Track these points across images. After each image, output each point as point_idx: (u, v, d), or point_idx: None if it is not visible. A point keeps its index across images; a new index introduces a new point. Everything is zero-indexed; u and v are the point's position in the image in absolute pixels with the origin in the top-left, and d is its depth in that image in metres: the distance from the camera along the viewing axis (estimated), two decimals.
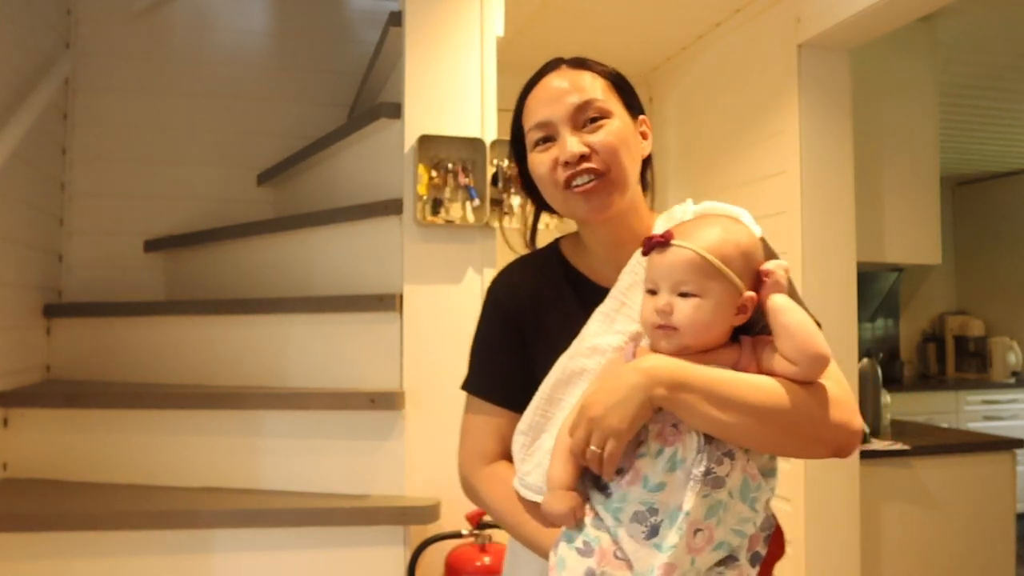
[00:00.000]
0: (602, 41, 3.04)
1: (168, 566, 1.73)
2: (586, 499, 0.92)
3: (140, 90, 2.65)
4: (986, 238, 5.36)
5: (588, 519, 0.91)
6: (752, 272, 0.94)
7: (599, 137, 1.01)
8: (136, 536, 1.72)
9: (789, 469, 2.42)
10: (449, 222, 1.97)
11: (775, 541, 1.00)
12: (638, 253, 1.02)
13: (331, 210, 2.13)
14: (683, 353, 0.91)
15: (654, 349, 0.94)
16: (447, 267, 1.96)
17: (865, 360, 2.89)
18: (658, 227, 1.06)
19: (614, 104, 1.04)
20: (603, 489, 0.91)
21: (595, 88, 1.04)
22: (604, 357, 0.99)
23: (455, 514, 1.77)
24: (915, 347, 5.35)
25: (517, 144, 1.11)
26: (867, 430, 2.70)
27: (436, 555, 1.82)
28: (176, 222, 2.64)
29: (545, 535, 0.96)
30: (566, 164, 1.00)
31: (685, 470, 0.86)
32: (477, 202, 1.99)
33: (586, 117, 1.02)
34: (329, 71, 2.83)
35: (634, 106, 1.08)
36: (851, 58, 2.45)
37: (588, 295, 1.06)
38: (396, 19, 2.03)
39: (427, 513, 1.76)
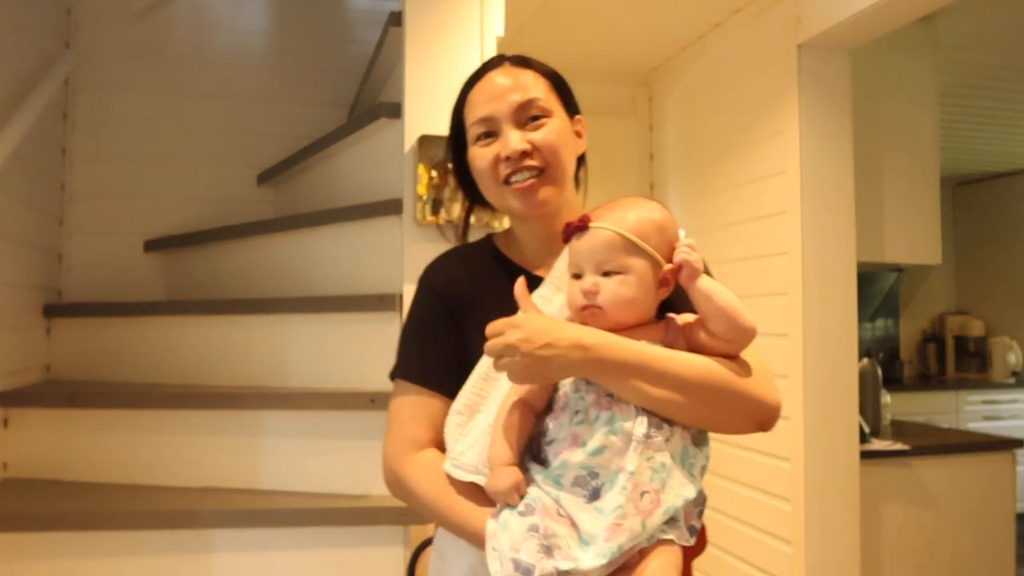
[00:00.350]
0: (602, 41, 3.04)
1: (168, 566, 1.73)
2: (525, 472, 0.94)
3: (140, 90, 2.65)
4: (986, 238, 5.36)
5: (528, 488, 0.92)
6: (669, 246, 0.98)
7: (540, 135, 1.04)
8: (136, 536, 1.72)
9: (789, 469, 2.42)
10: (449, 222, 1.97)
11: (700, 537, 1.02)
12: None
13: (331, 210, 2.13)
14: (613, 331, 0.94)
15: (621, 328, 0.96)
16: None
17: (865, 360, 2.90)
18: None
19: (554, 104, 1.08)
20: (542, 461, 0.94)
21: (537, 87, 1.07)
22: None
23: None
24: (915, 347, 5.36)
25: (455, 138, 1.13)
26: (867, 430, 2.70)
27: None
28: (176, 222, 2.64)
29: (479, 516, 0.95)
30: (507, 159, 1.03)
31: (625, 433, 0.90)
32: None
33: (528, 115, 1.05)
34: (329, 71, 2.83)
35: (571, 106, 1.12)
36: (851, 58, 2.45)
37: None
38: (396, 19, 2.03)
39: None
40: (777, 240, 2.50)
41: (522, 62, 1.10)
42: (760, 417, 0.98)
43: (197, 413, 1.91)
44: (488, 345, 0.93)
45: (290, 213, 2.50)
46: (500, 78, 1.08)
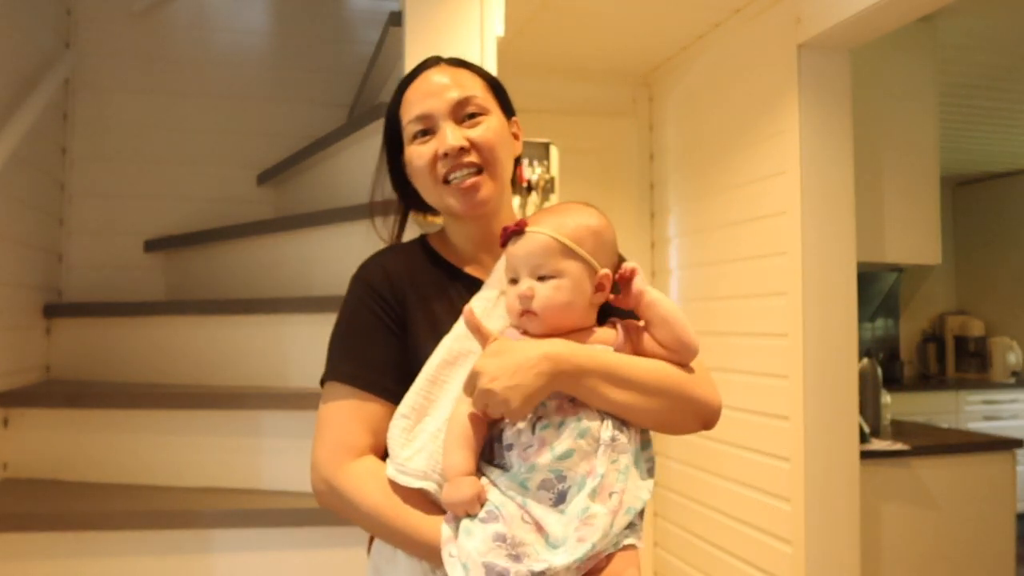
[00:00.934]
0: (602, 41, 3.04)
1: (168, 566, 1.73)
2: (481, 477, 0.93)
3: (140, 90, 2.65)
4: (986, 238, 5.36)
5: (491, 490, 0.91)
6: (607, 252, 0.99)
7: (478, 132, 1.03)
8: (136, 536, 1.72)
9: (789, 469, 2.42)
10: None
11: None
12: None
13: (331, 210, 2.13)
14: (552, 335, 0.95)
15: (525, 334, 0.97)
16: None
17: (865, 360, 2.90)
18: None
19: (491, 103, 1.08)
20: (500, 464, 0.93)
21: (475, 86, 1.07)
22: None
23: None
24: (915, 347, 5.36)
25: (391, 139, 1.12)
26: (867, 430, 2.70)
27: None
28: (176, 222, 2.64)
29: (429, 524, 0.92)
30: (445, 156, 1.02)
31: (592, 437, 0.91)
32: None
33: (465, 112, 1.04)
34: (329, 71, 2.83)
35: (508, 108, 1.12)
36: (851, 58, 2.45)
37: (462, 283, 1.07)
38: (396, 19, 2.03)
39: None
40: (777, 240, 2.50)
41: (458, 63, 1.10)
42: (705, 418, 1.02)
43: (197, 413, 1.91)
44: (473, 399, 0.92)
45: (290, 213, 2.50)
46: (437, 76, 1.06)
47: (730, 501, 2.74)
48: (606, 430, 0.92)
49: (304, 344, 2.02)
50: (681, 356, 1.00)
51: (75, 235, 2.56)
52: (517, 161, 1.15)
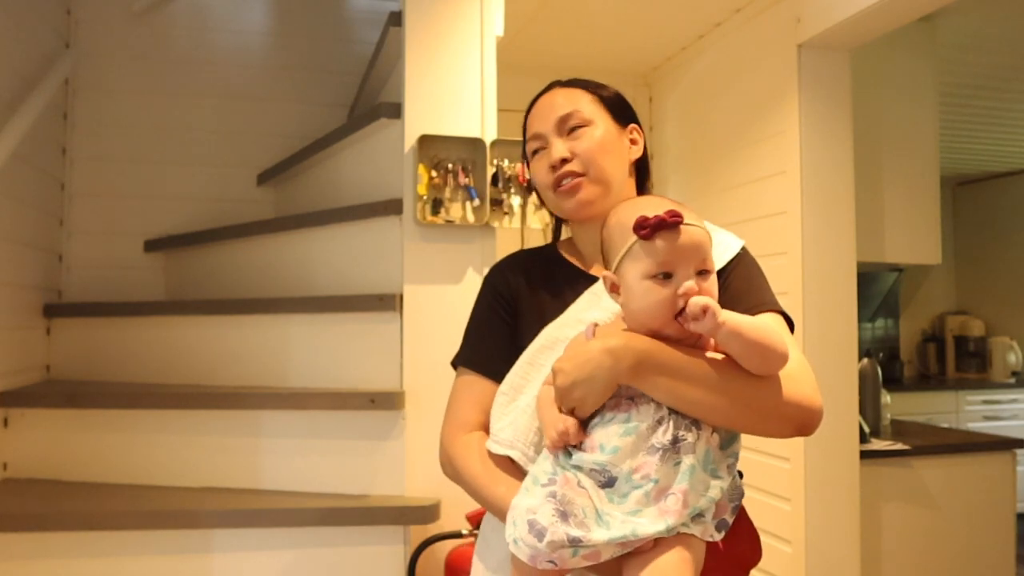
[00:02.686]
0: (602, 41, 3.04)
1: (168, 566, 1.73)
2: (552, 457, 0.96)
3: (140, 90, 2.65)
4: (986, 238, 5.36)
5: (548, 463, 0.93)
6: None
7: (579, 143, 1.13)
8: (136, 536, 1.72)
9: (789, 469, 2.42)
10: (449, 222, 1.97)
11: (751, 546, 1.02)
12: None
13: (331, 210, 2.13)
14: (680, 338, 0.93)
15: (661, 334, 0.92)
16: (447, 267, 1.96)
17: (865, 360, 2.89)
18: None
19: (597, 114, 1.16)
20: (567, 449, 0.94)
21: (580, 101, 1.16)
22: None
23: (455, 514, 1.78)
24: (915, 347, 5.36)
25: (526, 157, 1.24)
26: (867, 430, 2.70)
27: (436, 555, 1.82)
28: (176, 222, 2.64)
29: (512, 493, 0.96)
30: (552, 168, 1.13)
31: (640, 435, 0.89)
32: (477, 202, 1.99)
33: (569, 126, 1.14)
34: (329, 71, 2.83)
35: (623, 116, 1.19)
36: (851, 58, 2.45)
37: (579, 280, 1.15)
38: (396, 19, 2.03)
39: (427, 513, 1.76)
40: (777, 240, 2.50)
41: (571, 82, 1.21)
42: (799, 420, 0.95)
43: (197, 413, 1.91)
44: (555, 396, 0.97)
45: (290, 213, 2.50)
46: (548, 98, 1.19)
47: None
48: (666, 433, 0.88)
49: (304, 344, 2.02)
50: (767, 373, 0.94)
51: (75, 235, 2.56)
52: (644, 165, 1.21)
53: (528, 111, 1.22)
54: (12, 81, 2.11)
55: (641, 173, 1.21)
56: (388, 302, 1.91)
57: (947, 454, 2.73)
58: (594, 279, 1.13)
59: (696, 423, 0.91)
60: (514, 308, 1.16)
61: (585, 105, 1.16)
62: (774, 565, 2.49)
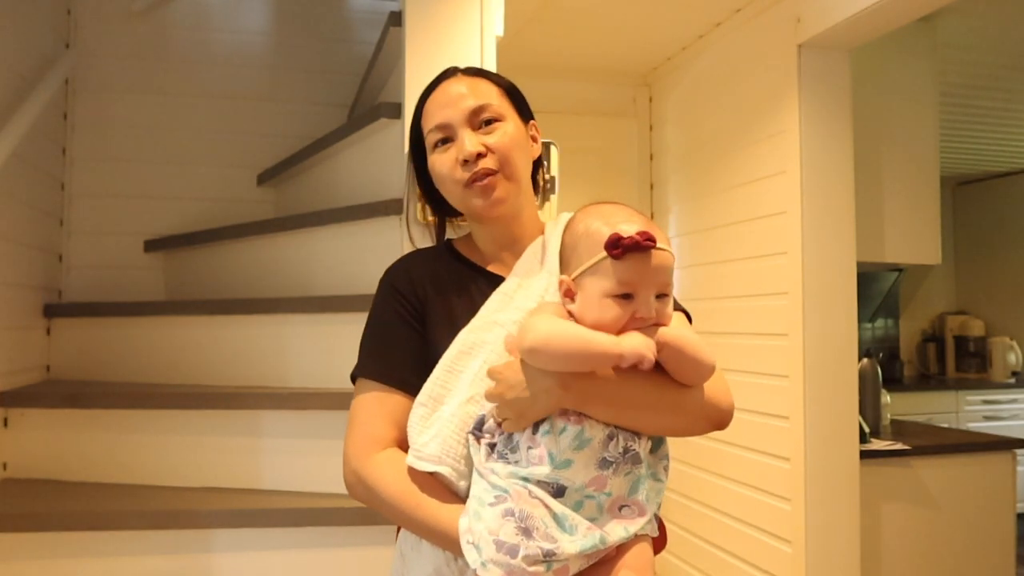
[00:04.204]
0: (602, 41, 3.04)
1: (168, 566, 1.73)
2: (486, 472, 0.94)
3: (140, 90, 2.65)
4: (986, 238, 5.36)
5: (493, 478, 0.92)
6: None
7: (494, 138, 1.08)
8: (136, 536, 1.71)
9: (789, 469, 2.42)
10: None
11: (662, 534, 1.04)
12: (535, 243, 1.12)
13: (331, 210, 2.13)
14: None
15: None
16: None
17: (865, 360, 2.90)
18: (549, 231, 1.12)
19: (507, 109, 1.12)
20: (501, 457, 0.93)
21: (490, 94, 1.12)
22: (504, 330, 1.02)
23: None
24: (915, 347, 5.36)
25: (415, 149, 1.17)
26: (867, 429, 2.70)
27: None
28: (176, 222, 2.64)
29: (445, 513, 0.95)
30: (465, 162, 1.07)
31: (592, 449, 0.90)
32: None
33: (481, 119, 1.09)
34: (329, 71, 2.83)
35: (525, 112, 1.16)
36: (851, 58, 2.45)
37: (480, 278, 1.12)
38: (396, 19, 2.03)
39: None
40: (777, 240, 2.50)
41: (475, 72, 1.16)
42: (716, 420, 1.01)
43: (197, 413, 1.91)
44: (486, 394, 0.97)
45: (290, 213, 2.50)
46: (454, 87, 1.12)
47: (730, 501, 2.74)
48: (617, 446, 0.90)
49: (304, 344, 2.02)
50: (698, 384, 0.99)
51: (75, 235, 2.56)
52: (538, 163, 1.19)
53: (424, 98, 1.15)
54: (12, 81, 2.11)
55: (534, 170, 1.19)
56: None
57: (947, 454, 2.74)
58: (496, 277, 1.11)
59: (637, 433, 0.93)
60: (422, 314, 1.09)
61: (495, 98, 1.11)
62: (774, 565, 2.49)
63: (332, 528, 1.75)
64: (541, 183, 1.20)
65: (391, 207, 1.98)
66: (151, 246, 2.60)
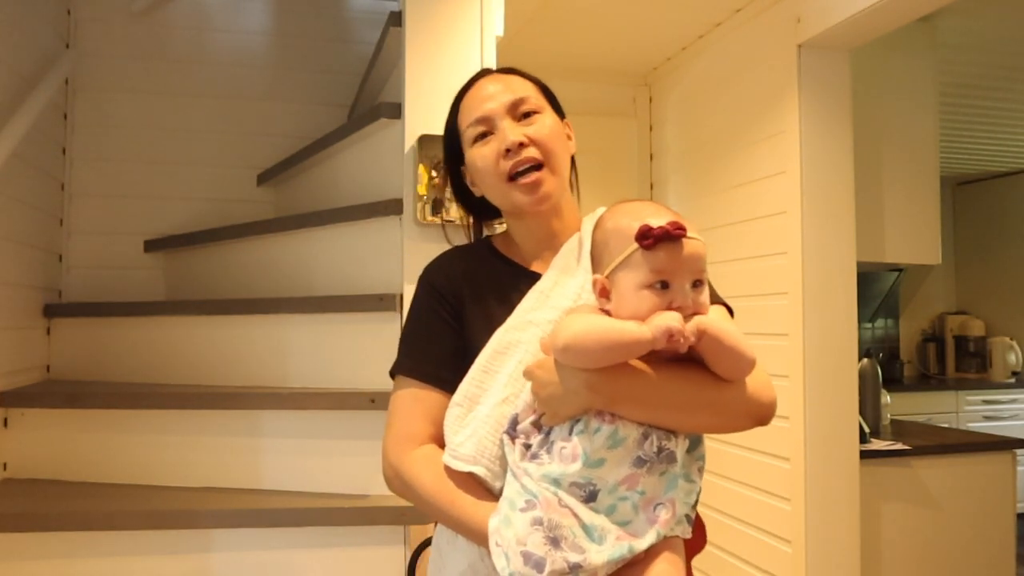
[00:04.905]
0: (602, 41, 3.04)
1: (168, 566, 1.73)
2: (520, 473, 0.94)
3: (140, 90, 2.65)
4: (986, 238, 5.36)
5: (526, 480, 0.91)
6: None
7: (535, 129, 1.08)
8: (136, 536, 1.71)
9: (789, 469, 2.42)
10: (449, 222, 1.97)
11: (701, 534, 1.03)
12: (572, 240, 1.09)
13: (331, 210, 2.13)
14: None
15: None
16: None
17: (865, 360, 2.90)
18: (586, 228, 1.10)
19: (544, 103, 1.12)
20: (534, 457, 0.93)
21: (527, 87, 1.12)
22: (540, 329, 1.01)
23: None
24: (915, 347, 5.36)
25: (450, 151, 1.17)
26: (867, 429, 2.70)
27: None
28: (176, 222, 2.64)
29: (478, 511, 0.95)
30: (507, 152, 1.06)
31: (627, 447, 0.89)
32: None
33: (521, 111, 1.09)
34: (329, 71, 2.83)
35: (559, 110, 1.16)
36: (851, 58, 2.45)
37: (521, 278, 1.10)
38: (396, 19, 2.03)
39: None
40: (777, 240, 2.50)
41: (508, 70, 1.16)
42: (759, 415, 0.98)
43: (197, 413, 1.91)
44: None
45: (290, 213, 2.50)
46: (490, 84, 1.12)
47: (730, 501, 2.75)
48: (652, 445, 0.89)
49: (304, 344, 2.02)
50: (738, 378, 0.96)
51: (75, 235, 2.56)
52: (573, 162, 1.18)
53: (460, 99, 1.15)
54: (12, 81, 2.11)
55: (570, 171, 1.18)
56: (388, 302, 1.91)
57: (947, 454, 2.74)
58: (535, 275, 1.09)
59: (673, 431, 0.92)
60: (459, 312, 1.09)
61: (532, 92, 1.11)
62: (774, 565, 2.49)
63: (332, 528, 1.75)
64: (575, 182, 1.20)
65: (391, 207, 1.98)
66: (151, 246, 2.60)
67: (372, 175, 2.16)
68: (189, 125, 2.69)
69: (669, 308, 0.89)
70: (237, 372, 2.09)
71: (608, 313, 0.93)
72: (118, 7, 2.63)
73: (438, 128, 1.95)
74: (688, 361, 0.93)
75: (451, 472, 0.99)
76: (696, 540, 1.00)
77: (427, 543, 1.78)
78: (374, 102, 2.50)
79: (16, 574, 1.69)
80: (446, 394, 1.04)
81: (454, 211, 1.98)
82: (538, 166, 1.06)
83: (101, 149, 2.60)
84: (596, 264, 0.99)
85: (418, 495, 1.02)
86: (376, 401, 1.83)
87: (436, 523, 1.10)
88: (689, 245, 0.91)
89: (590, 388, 0.89)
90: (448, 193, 1.98)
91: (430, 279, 1.13)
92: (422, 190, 1.94)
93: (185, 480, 1.91)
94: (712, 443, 2.84)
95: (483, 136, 1.09)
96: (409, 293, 1.93)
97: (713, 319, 0.91)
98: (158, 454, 1.92)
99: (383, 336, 1.93)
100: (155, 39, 2.68)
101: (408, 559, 1.78)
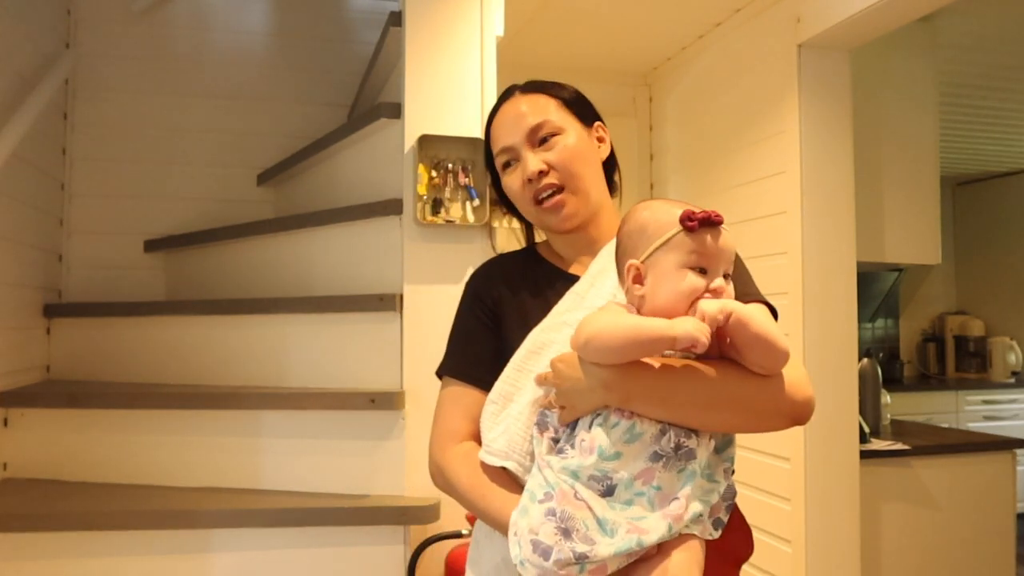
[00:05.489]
0: (602, 41, 3.04)
1: (168, 566, 1.73)
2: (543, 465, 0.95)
3: (140, 90, 2.65)
4: (986, 238, 5.36)
5: (547, 472, 0.92)
6: None
7: (553, 154, 1.13)
8: (136, 536, 1.72)
9: (789, 469, 2.42)
10: (449, 222, 1.97)
11: (743, 541, 1.03)
12: (611, 243, 1.08)
13: (331, 210, 2.13)
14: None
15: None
16: (447, 267, 1.96)
17: (865, 360, 2.89)
18: None
19: (566, 119, 1.16)
20: (560, 451, 0.94)
21: (547, 109, 1.16)
22: (573, 330, 1.00)
23: (455, 514, 1.77)
24: (915, 347, 5.36)
25: (493, 168, 1.23)
26: (867, 429, 2.70)
27: (436, 555, 1.82)
28: (176, 222, 2.64)
29: (509, 506, 0.96)
30: (529, 182, 1.13)
31: (643, 443, 0.90)
32: (477, 202, 1.99)
33: (540, 136, 1.14)
34: (329, 71, 2.83)
35: (587, 116, 1.20)
36: (851, 58, 2.45)
37: (559, 280, 1.15)
38: (396, 19, 2.03)
39: (427, 513, 1.76)
40: (777, 240, 2.50)
41: (532, 88, 1.19)
42: (795, 415, 0.96)
43: (197, 413, 1.91)
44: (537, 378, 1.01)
45: (290, 213, 2.50)
46: (512, 107, 1.17)
47: None
48: (669, 441, 0.89)
49: (304, 344, 2.02)
50: (771, 371, 0.94)
51: (75, 235, 2.56)
52: (613, 161, 1.23)
53: (491, 121, 1.21)
54: (12, 81, 2.11)
55: (608, 169, 1.22)
56: (388, 302, 1.91)
57: (947, 454, 2.73)
58: (574, 278, 1.13)
59: (695, 430, 0.92)
60: (497, 314, 1.15)
61: (553, 112, 1.15)
62: (774, 565, 2.49)
63: (332, 528, 1.75)
64: (618, 181, 1.23)
65: (390, 207, 1.98)
66: (151, 246, 2.60)
67: (372, 175, 2.16)
68: (189, 125, 2.69)
69: (706, 291, 0.91)
70: (237, 372, 2.09)
71: (641, 299, 0.95)
72: (118, 7, 2.63)
73: (438, 128, 1.97)
74: (720, 359, 0.93)
75: (486, 467, 1.04)
76: (742, 546, 0.99)
77: (428, 543, 1.78)
78: (374, 102, 2.50)
79: (16, 574, 1.69)
80: (485, 392, 1.09)
81: (454, 211, 1.99)
82: (560, 189, 1.12)
83: (101, 149, 2.60)
84: (630, 253, 0.98)
85: (456, 490, 1.08)
86: (376, 401, 1.83)
87: (474, 518, 1.14)
88: (726, 235, 0.94)
89: (605, 386, 0.90)
90: (448, 193, 1.98)
91: (472, 283, 1.20)
92: (422, 190, 1.94)
93: (185, 480, 1.91)
94: None
95: (509, 164, 1.16)
96: (409, 293, 1.94)
97: (741, 305, 0.90)
98: (158, 454, 1.92)
99: (383, 336, 1.93)
100: (155, 39, 2.68)
101: (408, 559, 1.78)
